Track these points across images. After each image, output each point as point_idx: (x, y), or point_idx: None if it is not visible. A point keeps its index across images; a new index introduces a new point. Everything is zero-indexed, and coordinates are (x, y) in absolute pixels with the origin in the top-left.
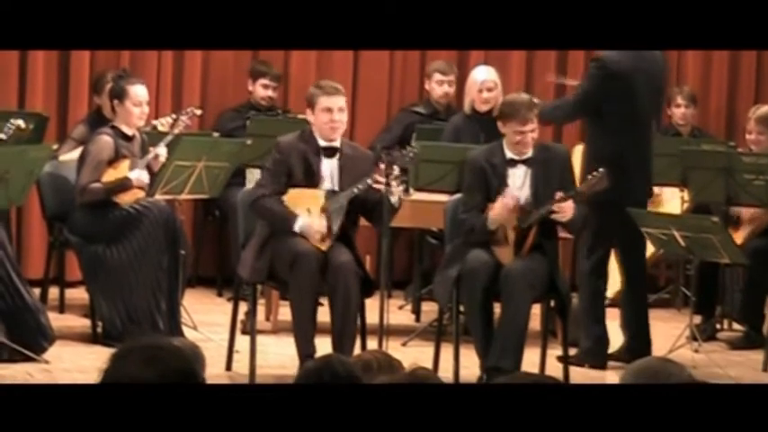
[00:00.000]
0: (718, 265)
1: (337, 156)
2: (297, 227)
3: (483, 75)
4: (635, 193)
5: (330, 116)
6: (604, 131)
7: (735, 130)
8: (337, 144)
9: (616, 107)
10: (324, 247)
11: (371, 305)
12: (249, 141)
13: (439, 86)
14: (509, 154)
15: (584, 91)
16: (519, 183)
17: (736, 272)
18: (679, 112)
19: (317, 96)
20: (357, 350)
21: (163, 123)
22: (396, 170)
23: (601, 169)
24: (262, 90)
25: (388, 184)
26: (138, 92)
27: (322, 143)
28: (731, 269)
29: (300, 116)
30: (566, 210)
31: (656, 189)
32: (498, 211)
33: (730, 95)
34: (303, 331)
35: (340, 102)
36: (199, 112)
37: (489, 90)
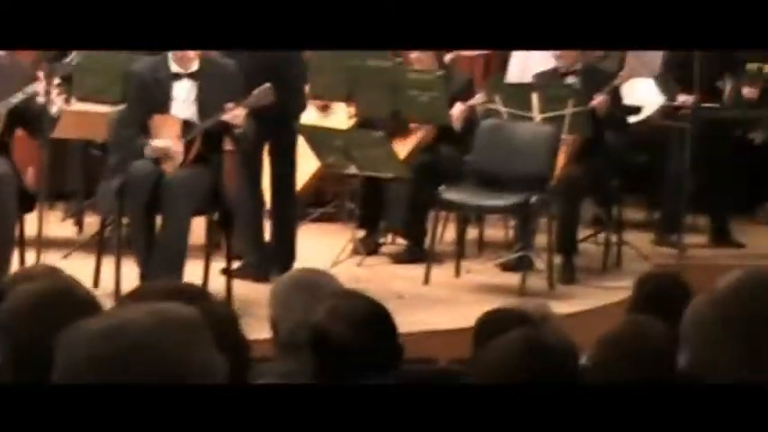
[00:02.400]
0: (382, 180)
1: (195, 78)
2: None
3: None
4: (291, 107)
5: None
6: None
7: None
8: (194, 68)
9: None
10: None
11: (31, 218)
12: None
13: None
14: (174, 67)
15: None
16: (184, 96)
17: (401, 187)
18: None
19: None
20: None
21: None
22: (56, 80)
23: (267, 84)
24: None
25: (48, 93)
26: None
27: (174, 68)
28: (396, 184)
29: None
30: (237, 116)
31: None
32: (158, 149)
33: None
34: None
35: None
36: None
37: None
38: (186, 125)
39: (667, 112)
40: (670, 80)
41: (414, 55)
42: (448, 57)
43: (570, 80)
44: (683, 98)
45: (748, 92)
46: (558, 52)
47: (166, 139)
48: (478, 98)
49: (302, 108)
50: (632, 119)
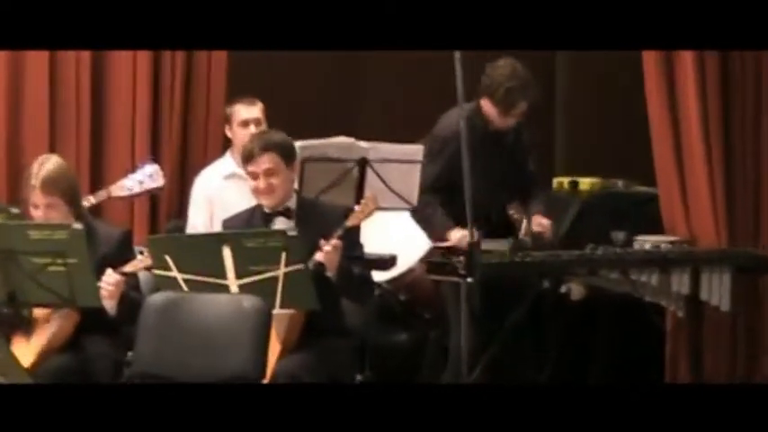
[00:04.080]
0: None
1: None
2: None
3: None
4: None
5: None
6: None
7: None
8: None
9: None
10: None
11: None
12: None
13: None
14: None
15: None
16: None
17: None
18: None
19: None
20: None
21: None
22: None
23: None
24: None
25: None
26: None
27: None
28: None
29: None
30: None
31: None
32: None
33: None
34: None
35: None
36: None
37: None
38: None
39: (435, 264)
40: (435, 211)
41: (36, 212)
42: (91, 199)
43: (281, 223)
44: (456, 235)
45: (538, 225)
46: (259, 185)
47: None
48: (140, 261)
49: None
50: (382, 276)
